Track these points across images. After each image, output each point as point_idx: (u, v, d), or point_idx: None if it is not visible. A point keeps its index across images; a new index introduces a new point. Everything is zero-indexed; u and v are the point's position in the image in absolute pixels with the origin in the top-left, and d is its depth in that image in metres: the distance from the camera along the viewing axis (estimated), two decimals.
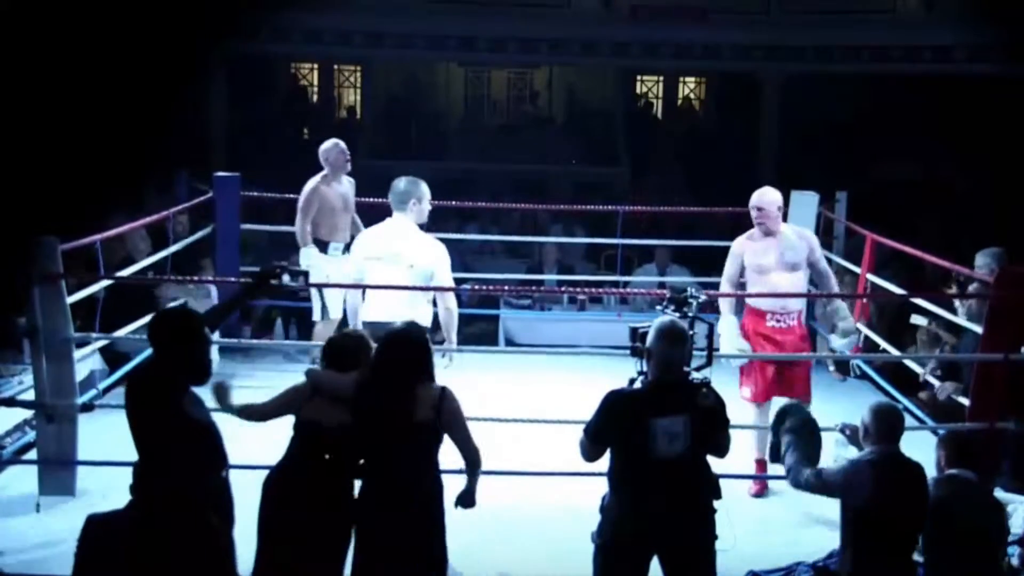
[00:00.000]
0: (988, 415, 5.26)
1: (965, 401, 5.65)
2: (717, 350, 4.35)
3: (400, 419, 3.81)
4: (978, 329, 5.89)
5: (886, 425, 4.03)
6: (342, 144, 7.04)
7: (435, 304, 5.41)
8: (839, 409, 5.89)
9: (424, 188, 5.49)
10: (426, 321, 5.31)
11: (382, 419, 3.82)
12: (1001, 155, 12.10)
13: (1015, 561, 4.33)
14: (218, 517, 3.59)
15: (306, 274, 4.44)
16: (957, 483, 4.10)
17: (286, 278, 4.24)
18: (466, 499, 4.04)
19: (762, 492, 5.59)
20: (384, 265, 5.29)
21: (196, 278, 7.42)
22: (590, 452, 3.88)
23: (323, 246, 6.95)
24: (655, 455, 3.70)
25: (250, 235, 8.48)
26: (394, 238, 5.36)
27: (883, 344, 7.09)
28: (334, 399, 3.87)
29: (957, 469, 4.14)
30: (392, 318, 5.03)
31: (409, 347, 3.90)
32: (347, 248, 6.75)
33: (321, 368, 4.06)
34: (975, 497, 4.11)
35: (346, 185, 7.09)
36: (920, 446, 5.22)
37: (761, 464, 5.70)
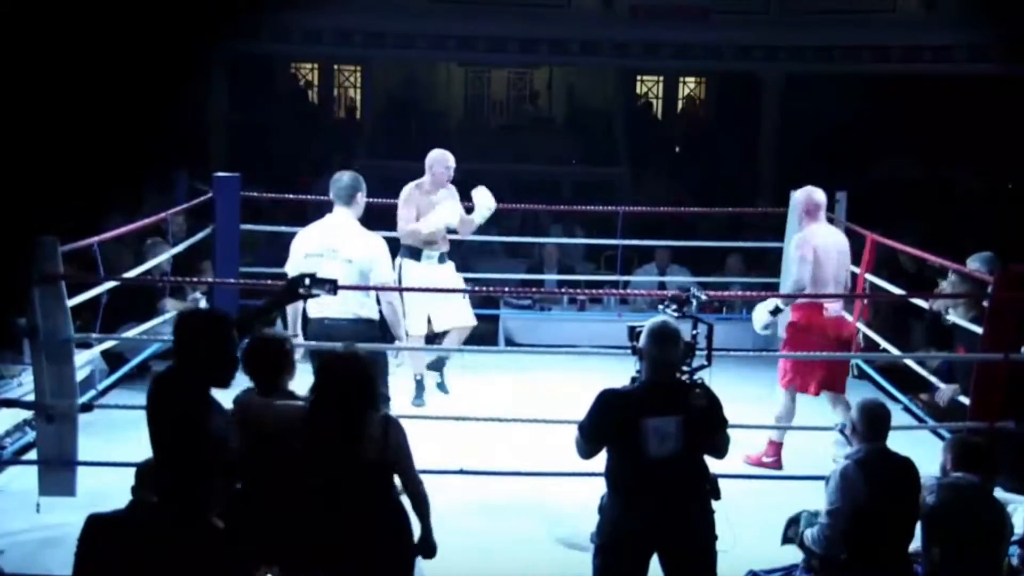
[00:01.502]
0: (988, 415, 5.26)
1: (966, 400, 5.66)
2: (717, 351, 4.35)
3: (346, 458, 3.56)
4: (970, 326, 5.95)
5: (872, 422, 4.05)
6: (449, 160, 6.69)
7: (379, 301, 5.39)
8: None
9: (364, 183, 5.50)
10: (375, 315, 5.35)
11: (328, 458, 3.58)
12: (1001, 155, 12.11)
13: (1015, 561, 4.33)
14: (225, 523, 3.53)
15: (333, 282, 4.29)
16: (961, 486, 4.10)
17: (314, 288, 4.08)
18: (425, 548, 3.71)
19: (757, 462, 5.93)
20: (325, 261, 5.19)
21: (196, 279, 7.41)
22: (584, 450, 3.90)
23: (416, 254, 6.59)
24: (648, 455, 3.70)
25: (250, 236, 8.48)
26: (333, 234, 5.32)
27: (883, 344, 7.10)
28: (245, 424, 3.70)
29: (962, 472, 4.15)
30: (341, 314, 5.21)
31: (350, 377, 3.61)
32: (442, 258, 6.66)
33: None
34: (979, 500, 4.11)
35: (442, 196, 6.71)
36: (920, 445, 5.24)
37: (774, 445, 5.94)
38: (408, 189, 6.64)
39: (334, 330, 5.17)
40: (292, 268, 5.33)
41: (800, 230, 6.03)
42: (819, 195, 6.01)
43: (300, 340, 5.32)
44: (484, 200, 6.78)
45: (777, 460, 5.99)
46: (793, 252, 5.93)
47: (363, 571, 3.60)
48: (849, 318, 6.09)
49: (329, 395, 3.60)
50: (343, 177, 5.44)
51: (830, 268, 5.85)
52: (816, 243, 5.84)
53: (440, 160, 6.66)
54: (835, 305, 5.94)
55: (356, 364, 3.65)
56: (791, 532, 4.29)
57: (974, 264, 6.27)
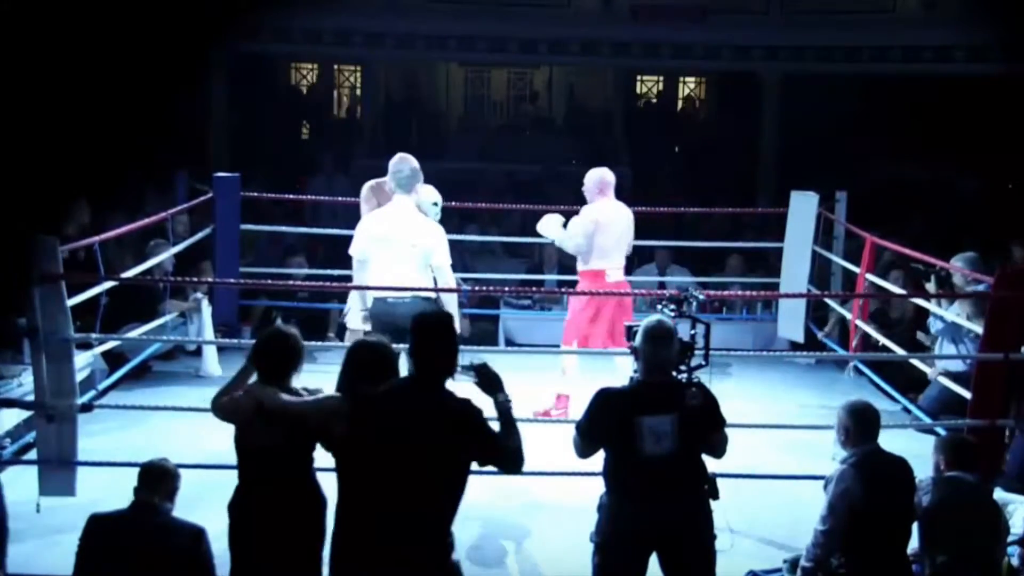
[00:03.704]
0: (988, 414, 5.27)
1: (954, 387, 5.76)
2: (715, 350, 4.35)
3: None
4: (963, 323, 6.01)
5: (863, 424, 4.05)
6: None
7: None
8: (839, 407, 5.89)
9: (422, 174, 5.85)
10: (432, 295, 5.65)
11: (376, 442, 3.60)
12: (1001, 155, 12.10)
13: (1015, 561, 4.33)
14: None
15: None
16: (956, 485, 4.11)
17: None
18: None
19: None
20: (390, 245, 5.60)
21: (196, 279, 7.42)
22: (582, 449, 3.92)
23: None
24: (644, 454, 3.71)
25: (250, 235, 8.48)
26: (398, 219, 5.67)
27: (884, 341, 7.11)
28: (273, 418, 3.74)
29: (956, 472, 4.15)
30: (402, 294, 5.49)
31: (381, 360, 3.75)
32: None
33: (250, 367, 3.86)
34: (974, 499, 4.12)
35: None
36: (918, 444, 5.24)
37: (563, 398, 6.47)
38: (366, 189, 6.49)
39: (397, 307, 5.48)
40: (357, 251, 5.68)
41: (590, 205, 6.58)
42: (609, 175, 6.64)
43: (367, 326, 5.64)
44: (427, 196, 6.19)
45: (565, 411, 6.36)
46: (577, 220, 6.52)
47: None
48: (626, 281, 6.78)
49: (362, 379, 3.66)
50: (404, 168, 5.75)
51: (612, 237, 6.51)
52: (597, 217, 6.47)
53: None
54: (617, 273, 6.58)
55: (381, 348, 3.79)
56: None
57: (958, 263, 6.42)
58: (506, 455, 3.47)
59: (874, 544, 3.94)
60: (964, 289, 6.49)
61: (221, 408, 3.82)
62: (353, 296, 5.97)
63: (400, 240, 5.61)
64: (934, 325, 6.66)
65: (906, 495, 4.01)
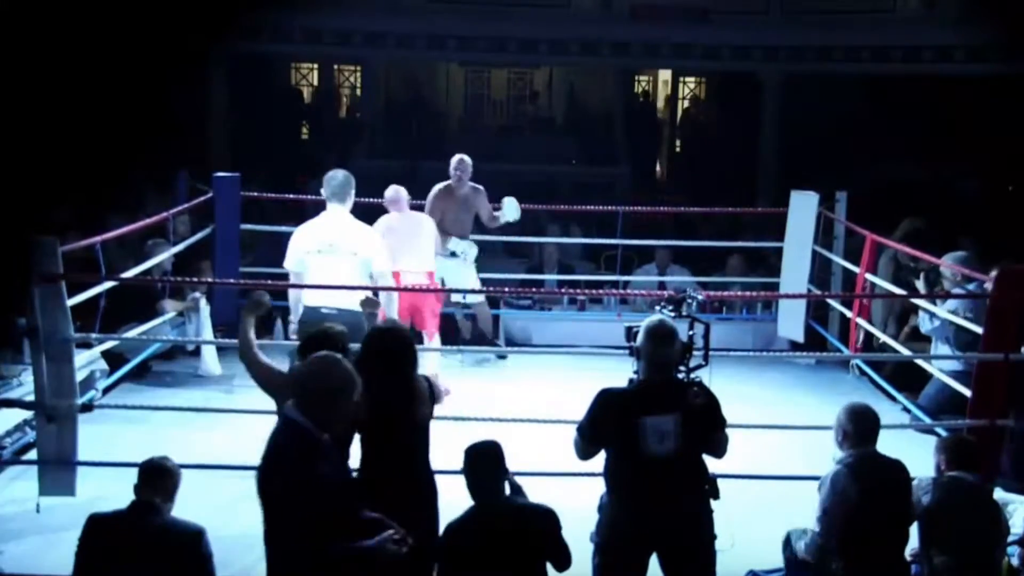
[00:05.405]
0: (988, 414, 5.26)
1: (956, 385, 5.79)
2: (715, 351, 4.35)
3: (404, 418, 3.81)
4: (954, 319, 6.07)
5: (864, 426, 4.04)
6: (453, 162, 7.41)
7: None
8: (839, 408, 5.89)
9: (353, 180, 5.80)
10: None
11: (387, 418, 3.78)
12: (1001, 155, 12.10)
13: (1015, 561, 4.33)
14: None
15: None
16: (956, 485, 4.10)
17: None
18: None
19: None
20: (328, 256, 5.54)
21: (196, 279, 7.42)
22: (583, 450, 3.91)
23: None
24: (646, 453, 3.71)
25: (249, 236, 8.47)
26: (334, 230, 5.61)
27: (884, 339, 7.12)
28: None
29: (957, 472, 4.15)
30: (339, 304, 5.42)
31: (402, 344, 3.87)
32: (452, 255, 7.17)
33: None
34: (974, 499, 4.11)
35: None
36: (917, 444, 5.24)
37: None
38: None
39: (329, 318, 5.28)
40: (293, 264, 5.66)
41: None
42: (400, 194, 6.77)
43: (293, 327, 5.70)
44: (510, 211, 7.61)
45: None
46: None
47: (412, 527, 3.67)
48: (425, 280, 6.76)
49: (384, 363, 3.77)
50: (337, 175, 5.71)
51: (404, 241, 6.58)
52: (390, 225, 6.60)
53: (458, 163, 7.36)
54: (413, 276, 6.65)
55: (401, 333, 3.93)
56: (787, 553, 4.27)
57: (949, 261, 6.44)
58: (567, 562, 3.71)
59: (870, 545, 3.93)
60: (953, 287, 6.51)
61: (254, 365, 4.07)
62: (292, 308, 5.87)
63: (339, 251, 5.55)
64: (924, 324, 6.66)
65: (902, 497, 4.00)
